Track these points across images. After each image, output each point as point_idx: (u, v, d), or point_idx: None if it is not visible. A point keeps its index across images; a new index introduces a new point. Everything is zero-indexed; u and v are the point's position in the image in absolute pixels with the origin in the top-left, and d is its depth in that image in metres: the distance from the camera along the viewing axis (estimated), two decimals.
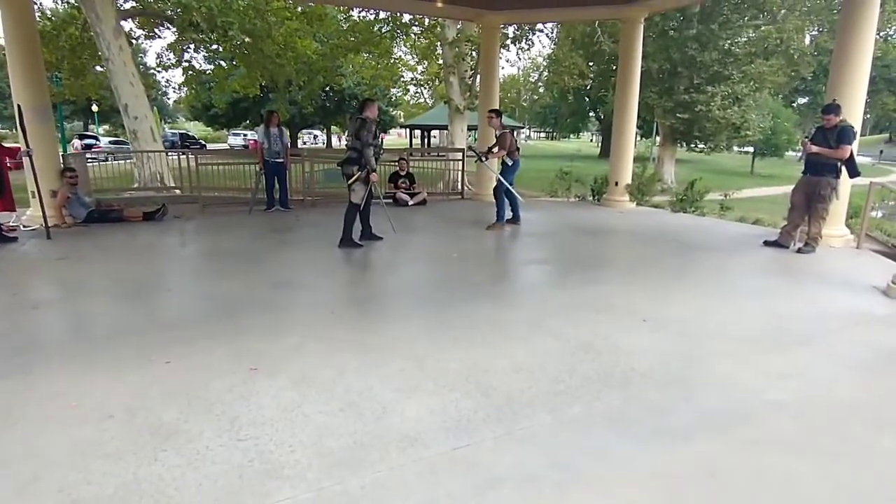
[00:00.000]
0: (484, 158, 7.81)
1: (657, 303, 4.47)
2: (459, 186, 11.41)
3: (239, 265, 5.55)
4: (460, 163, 11.46)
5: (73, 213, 7.44)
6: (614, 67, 16.30)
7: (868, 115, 50.66)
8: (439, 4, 9.37)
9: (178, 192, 10.71)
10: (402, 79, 26.93)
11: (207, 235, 7.31)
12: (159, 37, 17.55)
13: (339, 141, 48.69)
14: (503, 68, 38.19)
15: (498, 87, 10.85)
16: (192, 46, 17.99)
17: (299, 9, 16.04)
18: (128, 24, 15.63)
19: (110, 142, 32.25)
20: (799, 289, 5.02)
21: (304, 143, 49.64)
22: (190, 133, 42.90)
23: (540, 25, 18.28)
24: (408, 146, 35.50)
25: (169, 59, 18.37)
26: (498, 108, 8.80)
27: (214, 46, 17.37)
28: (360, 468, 2.25)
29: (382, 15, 17.01)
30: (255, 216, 8.46)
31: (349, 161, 6.10)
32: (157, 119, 15.89)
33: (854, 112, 6.33)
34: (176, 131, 41.00)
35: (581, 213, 9.28)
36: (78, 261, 5.76)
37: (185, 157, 10.19)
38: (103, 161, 13.09)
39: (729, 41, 20.85)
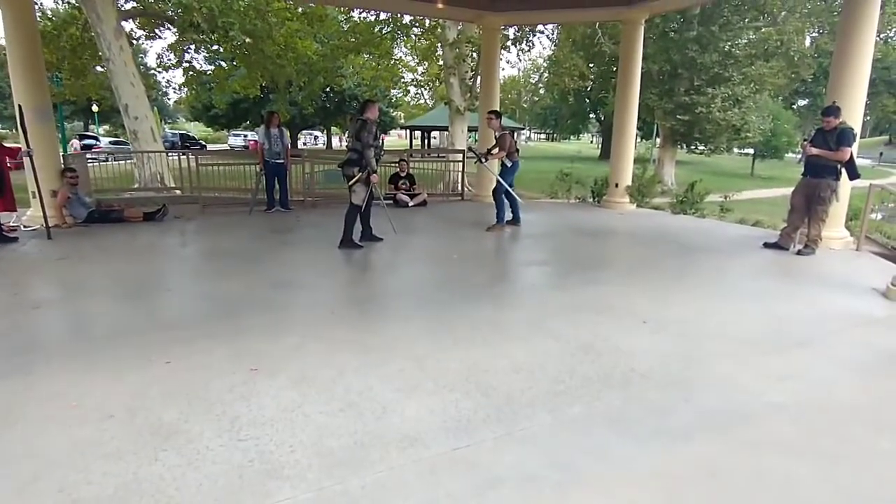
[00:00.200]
0: (484, 160, 7.81)
1: (657, 304, 4.47)
2: (459, 187, 11.40)
3: (239, 265, 5.55)
4: (460, 164, 11.46)
5: (74, 214, 7.44)
6: (615, 69, 16.30)
7: (868, 118, 50.73)
8: (440, 5, 9.37)
9: (178, 192, 10.72)
10: (402, 80, 26.94)
11: (208, 236, 7.31)
12: (160, 37, 17.58)
13: (340, 142, 48.72)
14: (503, 69, 38.21)
15: (498, 89, 10.85)
16: (193, 47, 18.01)
17: (300, 9, 16.05)
18: (128, 25, 15.66)
19: (110, 142, 32.27)
20: (799, 291, 5.02)
21: (305, 144, 49.68)
22: (190, 133, 42.91)
23: (540, 27, 18.33)
24: (408, 147, 35.51)
25: (169, 60, 18.37)
26: (498, 109, 8.81)
27: (215, 47, 17.38)
28: (360, 468, 2.25)
29: (383, 16, 17.02)
30: (256, 217, 8.46)
31: (350, 162, 6.09)
32: (157, 119, 15.89)
33: (854, 114, 6.34)
34: (176, 132, 41.02)
35: (581, 215, 9.29)
36: (78, 261, 5.76)
37: (185, 157, 10.20)
38: (104, 161, 13.11)
39: (729, 43, 20.86)
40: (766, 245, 6.68)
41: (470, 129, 18.33)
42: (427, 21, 16.59)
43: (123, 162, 15.49)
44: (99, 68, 16.21)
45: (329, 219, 8.21)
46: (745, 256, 6.33)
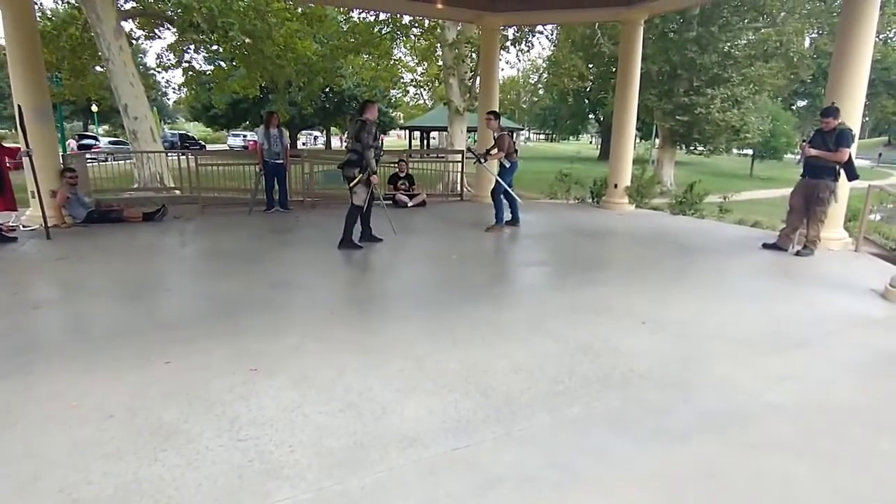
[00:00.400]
0: (482, 160, 7.82)
1: (656, 305, 4.48)
2: (459, 188, 11.41)
3: (238, 266, 5.56)
4: (459, 164, 11.46)
5: (73, 214, 7.44)
6: (614, 69, 16.31)
7: (867, 118, 50.82)
8: (439, 6, 9.37)
9: (177, 192, 10.71)
10: (401, 80, 26.96)
11: (207, 236, 7.31)
12: (159, 37, 17.57)
13: (340, 142, 48.68)
14: (503, 70, 38.28)
15: (498, 89, 10.85)
16: (193, 47, 18.02)
17: (299, 10, 16.05)
18: (128, 25, 15.65)
19: (110, 142, 32.26)
20: (797, 291, 5.03)
21: (304, 144, 49.65)
22: (190, 134, 42.90)
23: (540, 27, 18.34)
24: (407, 147, 35.51)
25: (169, 60, 18.38)
26: (496, 110, 8.82)
27: (214, 47, 17.38)
28: (359, 468, 2.26)
29: (382, 16, 17.01)
30: (255, 217, 8.46)
31: (349, 164, 6.08)
32: (156, 120, 15.89)
33: (853, 115, 6.35)
34: (176, 132, 41.01)
35: (580, 215, 9.29)
36: (78, 261, 5.76)
37: (184, 157, 10.20)
38: (103, 161, 13.10)
39: (728, 44, 20.87)
40: (765, 246, 6.69)
41: (469, 130, 18.34)
42: (426, 21, 16.59)
43: (123, 162, 15.50)
44: (98, 68, 16.20)
45: (328, 219, 8.21)
46: (744, 257, 6.34)
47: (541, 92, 44.92)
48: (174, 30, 16.32)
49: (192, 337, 3.61)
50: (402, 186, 9.85)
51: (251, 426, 2.55)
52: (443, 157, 14.76)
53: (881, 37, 29.41)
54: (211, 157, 12.88)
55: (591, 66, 24.45)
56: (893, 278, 4.81)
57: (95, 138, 32.41)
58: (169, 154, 13.36)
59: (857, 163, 6.23)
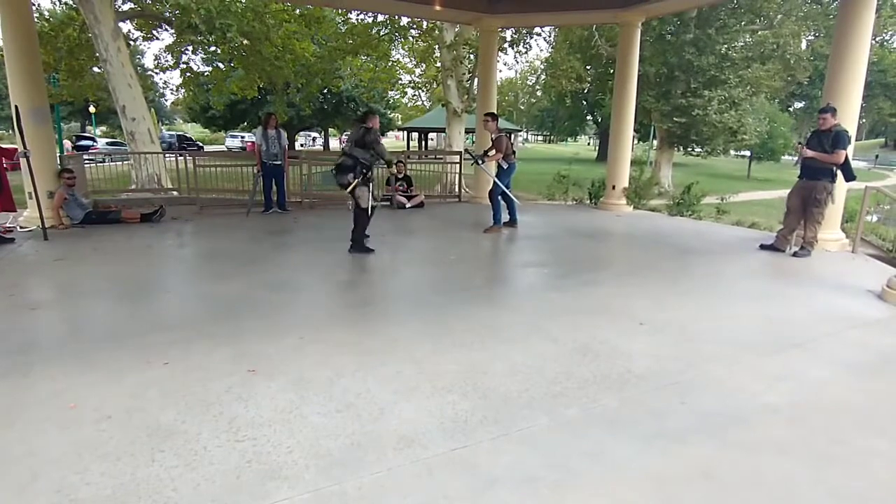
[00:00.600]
0: (480, 161, 7.83)
1: (654, 306, 4.49)
2: (457, 189, 11.41)
3: (237, 267, 5.55)
4: (458, 165, 11.48)
5: (71, 215, 7.43)
6: (612, 71, 16.33)
7: (864, 120, 50.89)
8: (437, 7, 9.39)
9: (175, 193, 10.70)
10: (400, 81, 26.94)
11: (205, 237, 7.30)
12: (157, 38, 17.57)
13: (340, 143, 48.63)
14: (501, 71, 38.32)
15: (496, 91, 10.87)
16: (191, 48, 18.00)
17: (297, 11, 16.05)
18: (126, 26, 15.64)
19: (107, 143, 32.21)
20: (794, 292, 5.05)
21: (302, 146, 49.63)
22: (187, 135, 42.85)
23: (538, 29, 18.35)
24: (405, 149, 35.52)
25: (167, 61, 18.37)
26: (494, 111, 8.83)
27: (212, 48, 17.38)
28: (357, 469, 2.26)
29: (380, 18, 17.03)
30: (253, 218, 8.46)
31: (344, 169, 5.95)
32: (154, 121, 15.88)
33: (849, 117, 6.38)
34: (173, 133, 40.96)
35: (578, 217, 9.31)
36: (75, 262, 5.75)
37: (182, 158, 10.19)
38: (101, 162, 13.09)
39: (726, 46, 20.92)
40: (763, 247, 6.71)
41: (467, 131, 18.36)
42: (425, 23, 16.63)
43: (120, 163, 15.47)
44: (96, 69, 16.18)
45: (326, 220, 8.23)
46: (742, 258, 6.35)
47: (539, 93, 44.93)
48: (172, 31, 16.29)
49: (190, 338, 3.60)
50: (401, 188, 9.86)
51: (249, 427, 2.55)
52: (441, 159, 14.76)
53: (877, 39, 29.48)
54: (209, 159, 12.86)
55: (588, 67, 24.49)
56: (890, 279, 4.83)
57: (93, 139, 32.35)
58: (167, 155, 13.33)
59: (855, 164, 6.26)
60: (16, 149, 6.71)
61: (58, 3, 17.84)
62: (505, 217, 7.79)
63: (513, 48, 17.64)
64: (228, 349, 3.42)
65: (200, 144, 38.71)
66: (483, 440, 2.50)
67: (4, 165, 6.72)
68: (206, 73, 19.92)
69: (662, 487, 2.20)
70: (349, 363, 3.26)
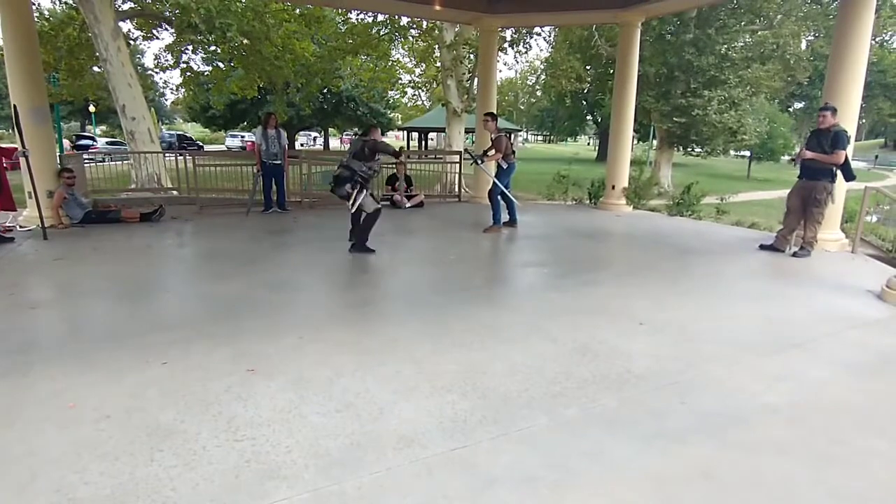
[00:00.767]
0: (480, 161, 7.83)
1: (653, 306, 4.49)
2: (456, 189, 11.41)
3: (236, 267, 5.55)
4: (457, 165, 11.48)
5: (70, 214, 7.43)
6: (611, 71, 16.34)
7: (863, 121, 50.92)
8: (437, 7, 9.39)
9: (175, 193, 10.70)
10: (399, 81, 26.94)
11: (205, 237, 7.30)
12: (157, 38, 17.60)
13: (341, 144, 48.62)
14: (501, 71, 38.33)
15: (495, 90, 10.86)
16: (191, 48, 17.99)
17: (297, 11, 16.05)
18: (126, 25, 15.63)
19: (107, 142, 32.19)
20: (794, 293, 5.04)
21: (302, 146, 49.62)
22: (187, 134, 42.84)
23: (538, 29, 18.35)
24: (405, 148, 35.53)
25: (167, 61, 18.35)
26: (494, 111, 8.83)
27: (212, 48, 17.37)
28: (356, 469, 2.26)
29: (380, 17, 17.03)
30: (253, 218, 8.46)
31: (341, 181, 5.91)
32: (154, 120, 15.88)
33: (849, 117, 6.38)
34: (173, 132, 40.94)
35: (578, 217, 9.31)
36: (75, 261, 5.75)
37: (182, 158, 10.19)
38: (100, 162, 13.08)
39: (726, 46, 20.93)
40: (762, 247, 6.71)
41: (467, 131, 18.37)
42: (424, 23, 16.63)
43: (120, 162, 15.46)
44: (96, 69, 16.18)
45: (326, 220, 8.23)
46: (741, 258, 6.36)
47: (538, 93, 44.94)
48: (172, 30, 16.28)
49: (189, 338, 3.60)
50: (400, 187, 9.85)
51: (248, 427, 2.55)
52: (441, 158, 14.76)
53: (877, 39, 29.47)
54: (209, 158, 12.86)
55: (588, 67, 24.49)
56: (889, 279, 4.83)
57: (93, 139, 32.34)
58: (166, 155, 13.34)
59: (854, 165, 6.26)
60: (15, 148, 6.71)
61: (58, 3, 17.84)
62: (505, 217, 7.79)
63: (513, 48, 17.65)
64: (228, 349, 3.42)
65: (200, 144, 38.68)
66: (482, 440, 2.49)
67: (4, 165, 6.72)
68: (206, 73, 19.91)
69: (662, 487, 2.20)
70: (348, 363, 3.26)
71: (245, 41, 15.14)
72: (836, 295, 4.93)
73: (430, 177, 13.04)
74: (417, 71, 24.80)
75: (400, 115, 47.06)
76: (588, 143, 71.42)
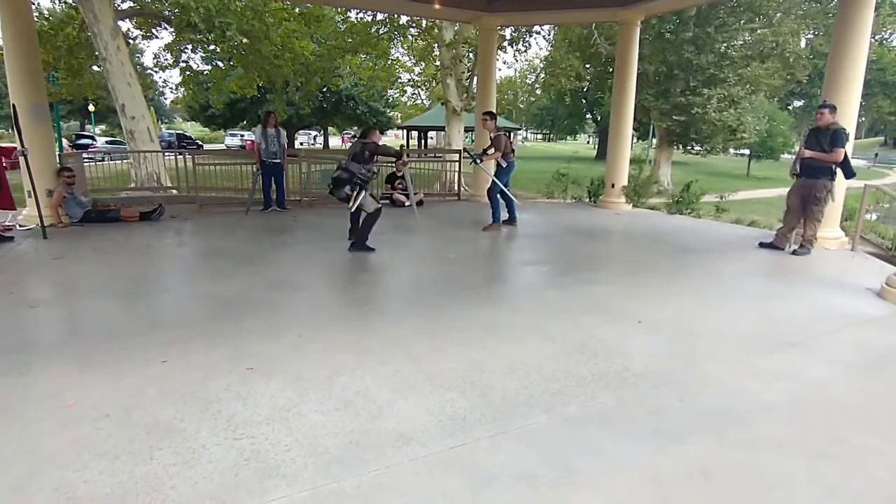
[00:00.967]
0: (479, 160, 7.83)
1: (652, 304, 4.49)
2: (456, 188, 11.41)
3: (236, 266, 5.55)
4: (457, 164, 11.48)
5: (70, 213, 7.43)
6: (611, 70, 16.29)
7: (863, 119, 50.89)
8: (436, 6, 9.38)
9: (174, 192, 10.70)
10: (399, 80, 26.95)
11: (204, 236, 7.30)
12: (157, 37, 17.67)
13: (343, 143, 48.55)
14: (500, 70, 38.31)
15: (495, 89, 10.87)
16: (190, 47, 17.97)
17: (297, 10, 16.04)
18: (125, 24, 15.61)
19: (107, 142, 32.15)
20: (793, 291, 5.05)
21: (302, 144, 49.60)
22: (187, 133, 42.81)
23: (537, 27, 18.35)
24: (405, 147, 35.53)
25: (166, 60, 18.34)
26: (493, 110, 8.83)
27: (212, 47, 17.36)
28: (356, 467, 2.26)
29: (380, 16, 17.03)
30: (252, 217, 8.46)
31: (340, 183, 5.91)
32: (153, 119, 15.86)
33: (849, 115, 6.38)
34: (173, 131, 40.92)
35: (577, 215, 9.31)
36: (74, 260, 5.75)
37: (181, 157, 10.19)
38: (100, 161, 13.09)
39: (725, 44, 20.91)
40: (762, 245, 6.72)
41: (467, 130, 18.37)
42: (424, 21, 16.62)
43: (120, 161, 15.45)
44: (95, 68, 16.17)
45: (325, 219, 8.22)
46: (741, 256, 6.36)
47: (538, 92, 44.95)
48: (171, 29, 16.27)
49: (189, 337, 3.61)
50: (400, 186, 9.85)
51: (248, 425, 2.56)
52: (440, 157, 14.76)
53: (877, 37, 29.46)
54: (208, 157, 12.85)
55: (588, 66, 24.48)
56: (889, 277, 4.83)
57: (93, 138, 32.31)
58: (166, 154, 13.33)
59: (854, 163, 6.26)
60: (15, 147, 6.71)
61: (57, 2, 17.82)
62: (504, 215, 7.79)
63: (512, 46, 17.63)
64: (227, 348, 3.42)
65: (200, 143, 38.67)
66: (481, 438, 2.50)
67: (3, 164, 6.72)
68: (205, 72, 19.90)
69: (660, 485, 2.20)
70: (348, 361, 3.26)
71: (244, 40, 15.14)
72: (836, 293, 4.93)
73: (429, 175, 13.05)
74: (417, 70, 24.84)
75: (399, 114, 47.06)
76: (587, 142, 71.40)
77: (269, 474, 2.21)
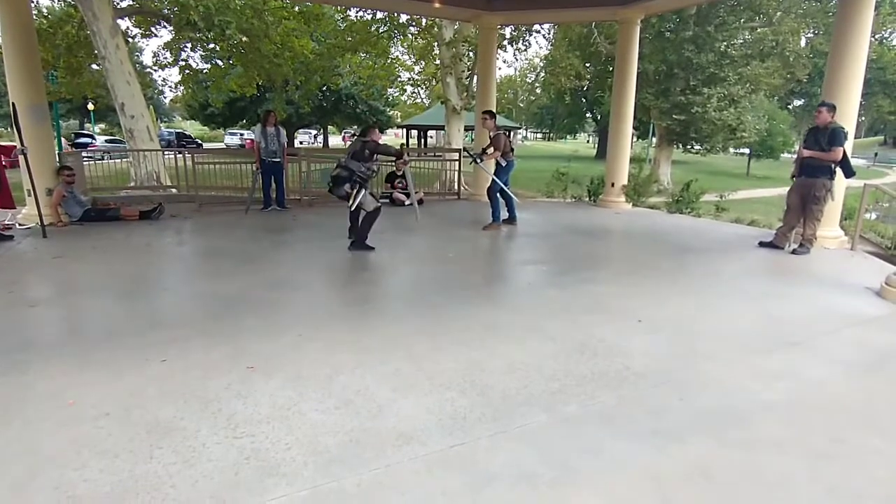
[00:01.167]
0: (479, 160, 7.83)
1: (652, 303, 4.49)
2: (456, 187, 11.41)
3: (236, 265, 5.55)
4: (457, 163, 11.47)
5: (70, 212, 7.42)
6: (611, 69, 16.29)
7: (863, 118, 50.85)
8: (437, 5, 9.38)
9: (174, 191, 10.70)
10: (399, 79, 26.92)
11: (204, 235, 7.30)
12: (156, 35, 17.57)
13: (344, 142, 48.49)
14: (500, 69, 38.25)
15: (495, 88, 10.86)
16: (189, 45, 17.95)
17: (296, 8, 16.03)
18: (124, 23, 15.62)
19: (106, 140, 32.12)
20: (793, 290, 5.05)
21: (301, 143, 49.56)
22: (186, 132, 42.77)
23: (537, 26, 18.33)
24: (404, 146, 35.52)
25: (165, 58, 18.35)
26: (493, 109, 8.82)
27: (211, 45, 17.32)
28: (355, 466, 2.26)
29: (380, 15, 17.02)
30: (252, 216, 8.45)
31: (339, 181, 5.92)
32: (153, 118, 15.84)
33: (849, 114, 6.39)
34: (172, 130, 40.89)
35: (577, 214, 9.31)
36: (74, 259, 5.75)
37: (181, 156, 10.18)
38: (99, 160, 13.08)
39: (725, 43, 20.91)
40: (762, 244, 6.72)
41: (467, 129, 18.37)
42: (424, 20, 16.61)
43: (119, 160, 15.43)
44: (95, 66, 16.15)
45: (325, 218, 8.22)
46: (741, 256, 6.36)
47: (538, 91, 44.95)
48: (171, 28, 16.26)
49: (188, 336, 3.60)
50: (400, 185, 9.85)
51: (247, 424, 2.56)
52: (440, 156, 14.76)
53: (877, 36, 29.48)
54: (208, 156, 12.83)
55: (588, 65, 24.48)
56: (889, 277, 4.83)
57: (92, 136, 32.29)
58: (165, 152, 13.32)
59: (854, 162, 6.26)
60: (14, 146, 6.70)
61: (56, 1, 17.81)
62: (504, 214, 7.79)
63: (512, 45, 17.63)
64: (227, 347, 3.42)
65: (199, 142, 38.65)
66: (481, 437, 2.50)
67: (3, 163, 6.71)
68: (204, 71, 19.87)
69: (660, 484, 2.20)
70: (348, 360, 3.26)
71: (244, 39, 15.12)
72: (836, 292, 4.93)
73: (429, 174, 13.05)
74: (416, 68, 24.78)
75: (399, 113, 47.03)
76: (587, 141, 71.36)
77: (269, 473, 2.21)
